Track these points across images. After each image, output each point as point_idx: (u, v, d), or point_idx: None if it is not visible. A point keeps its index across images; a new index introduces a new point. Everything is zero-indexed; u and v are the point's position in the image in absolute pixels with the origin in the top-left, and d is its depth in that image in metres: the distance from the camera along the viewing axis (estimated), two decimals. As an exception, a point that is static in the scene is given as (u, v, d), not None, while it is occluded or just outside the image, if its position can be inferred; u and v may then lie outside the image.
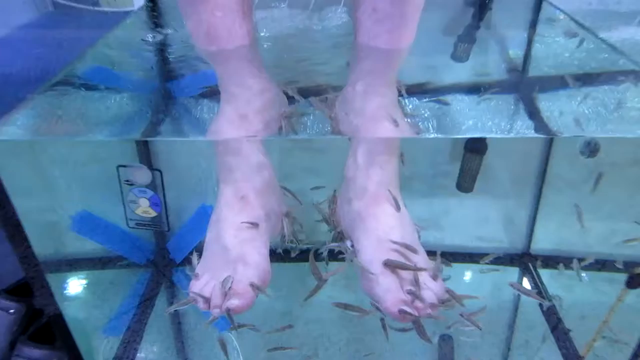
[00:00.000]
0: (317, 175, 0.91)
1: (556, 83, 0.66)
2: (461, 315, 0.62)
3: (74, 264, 0.97)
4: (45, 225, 0.86)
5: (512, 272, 1.06)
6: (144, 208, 0.63)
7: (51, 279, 0.91)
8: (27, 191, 0.73)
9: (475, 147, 0.88)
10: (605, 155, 0.87)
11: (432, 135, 0.55)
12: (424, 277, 0.63)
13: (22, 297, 0.84)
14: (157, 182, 0.60)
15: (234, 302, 0.59)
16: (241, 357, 0.89)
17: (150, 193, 0.61)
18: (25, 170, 0.76)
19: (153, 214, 0.65)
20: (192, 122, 0.63)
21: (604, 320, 0.73)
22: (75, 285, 0.98)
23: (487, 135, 0.80)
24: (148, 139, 0.71)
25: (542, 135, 0.71)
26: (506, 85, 0.66)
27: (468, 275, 1.00)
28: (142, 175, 0.59)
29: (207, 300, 0.61)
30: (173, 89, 0.63)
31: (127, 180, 0.60)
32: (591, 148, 0.78)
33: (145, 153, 0.82)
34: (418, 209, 0.69)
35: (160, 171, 0.59)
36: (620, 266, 0.67)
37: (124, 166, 0.59)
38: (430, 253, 0.64)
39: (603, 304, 0.93)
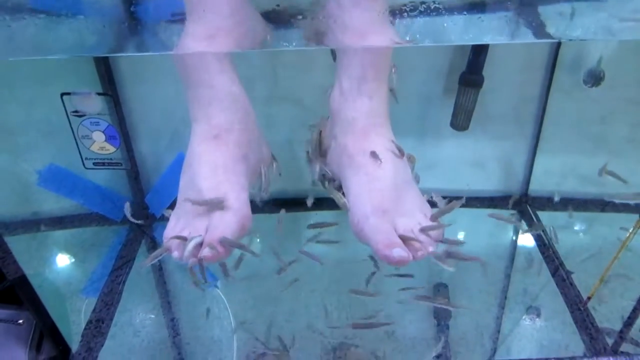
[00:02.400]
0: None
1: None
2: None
3: (51, 223, 0.94)
4: (15, 182, 0.82)
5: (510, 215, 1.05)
6: (99, 143, 0.57)
7: (26, 239, 0.86)
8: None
9: (471, 80, 0.83)
10: (611, 87, 0.84)
11: (427, 44, 0.49)
12: (420, 218, 0.59)
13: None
14: (111, 109, 0.53)
15: (209, 251, 0.54)
16: (230, 312, 0.87)
17: (104, 124, 0.54)
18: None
19: (111, 149, 0.58)
20: (160, 48, 0.57)
21: (615, 255, 0.69)
22: (53, 244, 0.95)
23: (486, 42, 0.76)
24: (111, 55, 0.63)
25: (543, 40, 0.66)
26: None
27: (463, 220, 0.97)
28: (91, 102, 0.52)
29: (181, 249, 0.57)
30: (139, 14, 0.56)
31: (75, 111, 0.52)
32: (595, 76, 0.73)
33: (115, 99, 0.76)
34: (408, 148, 0.64)
35: (111, 95, 0.52)
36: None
37: (68, 93, 0.52)
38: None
39: (601, 248, 0.92)
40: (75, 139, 0.56)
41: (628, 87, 0.87)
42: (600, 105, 0.90)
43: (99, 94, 0.51)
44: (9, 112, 0.77)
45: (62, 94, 0.51)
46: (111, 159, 0.59)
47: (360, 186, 0.59)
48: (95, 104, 0.51)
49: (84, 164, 0.58)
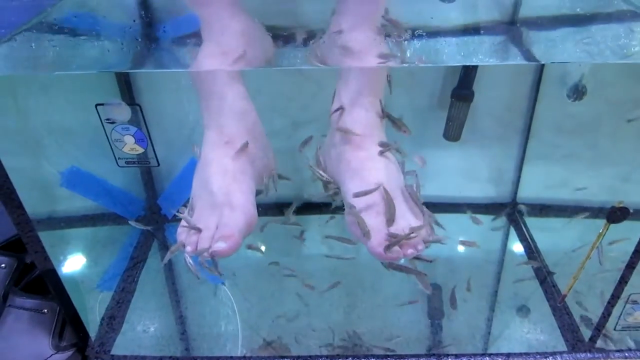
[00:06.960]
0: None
1: (549, 24, 0.66)
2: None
3: (68, 222, 0.96)
4: (37, 182, 0.86)
5: (500, 222, 1.07)
6: (130, 145, 0.64)
7: (44, 236, 0.91)
8: (15, 149, 0.73)
9: (462, 94, 0.87)
10: (591, 102, 0.88)
11: (422, 64, 0.55)
12: (410, 219, 0.64)
13: (15, 253, 0.85)
14: (138, 117, 0.60)
15: (220, 246, 0.59)
16: (235, 308, 0.91)
17: (133, 129, 0.62)
18: (11, 126, 0.76)
19: (140, 150, 0.65)
20: (178, 65, 0.63)
21: (586, 256, 0.74)
22: (69, 242, 0.96)
23: (478, 64, 0.80)
24: (130, 70, 0.70)
25: (531, 62, 0.72)
26: (496, 26, 0.66)
27: (456, 226, 0.98)
28: (122, 111, 0.59)
29: (194, 244, 0.62)
30: (156, 34, 0.62)
31: (108, 119, 0.60)
32: (578, 91, 0.78)
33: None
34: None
35: (139, 105, 0.59)
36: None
37: (102, 104, 0.59)
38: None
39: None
40: (110, 142, 0.63)
41: (608, 101, 0.91)
42: (583, 118, 0.93)
43: (129, 104, 0.58)
44: (41, 120, 0.82)
45: (97, 105, 0.58)
46: (141, 158, 0.66)
47: (355, 188, 0.63)
48: (125, 113, 0.59)
49: (117, 164, 0.66)
